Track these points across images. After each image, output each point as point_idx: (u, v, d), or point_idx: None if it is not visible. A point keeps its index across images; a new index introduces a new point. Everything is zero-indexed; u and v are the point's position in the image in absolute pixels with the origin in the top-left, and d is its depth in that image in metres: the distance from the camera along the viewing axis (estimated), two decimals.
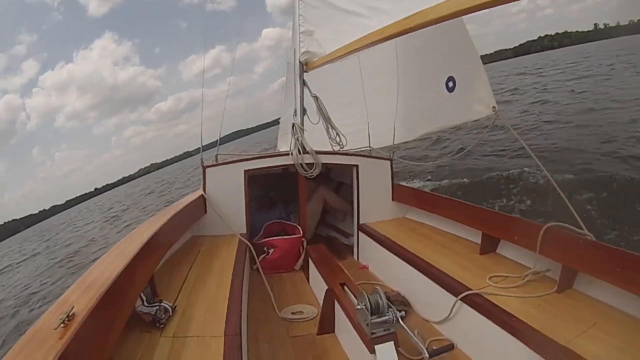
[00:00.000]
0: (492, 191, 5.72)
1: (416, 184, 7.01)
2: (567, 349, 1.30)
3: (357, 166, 3.05)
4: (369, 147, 3.60)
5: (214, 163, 2.96)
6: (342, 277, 2.13)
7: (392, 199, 3.17)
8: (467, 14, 1.40)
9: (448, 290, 1.92)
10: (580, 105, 10.74)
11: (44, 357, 0.95)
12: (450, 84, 3.18)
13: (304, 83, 2.95)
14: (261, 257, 2.84)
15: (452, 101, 3.20)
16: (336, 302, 1.99)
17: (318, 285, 2.42)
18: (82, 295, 1.28)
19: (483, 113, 3.05)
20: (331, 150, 3.04)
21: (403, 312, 1.52)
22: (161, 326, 1.57)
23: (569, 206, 1.97)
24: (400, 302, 2.23)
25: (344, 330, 1.88)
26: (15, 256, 20.64)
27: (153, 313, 1.59)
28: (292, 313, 2.30)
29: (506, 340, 1.51)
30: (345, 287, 1.99)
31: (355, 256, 3.16)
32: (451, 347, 1.64)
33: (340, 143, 3.04)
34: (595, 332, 1.39)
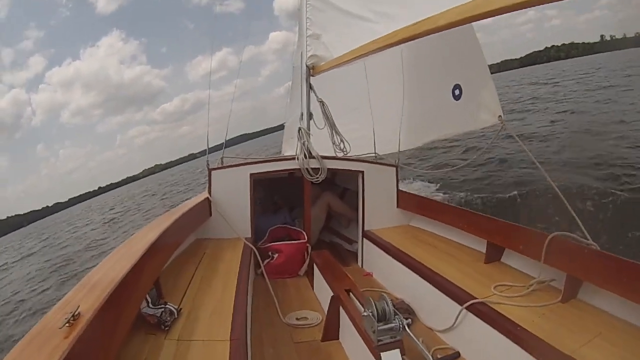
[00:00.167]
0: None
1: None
2: (572, 359, 1.29)
3: (362, 172, 3.04)
4: (375, 153, 3.59)
5: (220, 166, 2.96)
6: (348, 283, 2.12)
7: (397, 206, 3.16)
8: (477, 20, 1.39)
9: (453, 299, 1.90)
10: (607, 116, 10.50)
11: (49, 356, 0.94)
12: (457, 92, 3.17)
13: (310, 87, 2.94)
14: (266, 262, 2.83)
15: (458, 109, 3.19)
16: (341, 309, 1.98)
17: (322, 291, 2.40)
18: (87, 295, 1.27)
19: (489, 122, 3.04)
20: (335, 155, 3.04)
21: (410, 320, 1.50)
22: (166, 328, 1.57)
23: (574, 216, 1.96)
24: (404, 310, 2.22)
25: (349, 336, 1.87)
26: (13, 254, 20.67)
27: (158, 315, 1.58)
28: (297, 319, 2.29)
29: (511, 350, 1.50)
30: (351, 294, 1.98)
31: (359, 263, 3.14)
32: (457, 355, 1.62)
33: (344, 149, 3.04)
34: (600, 342, 1.38)
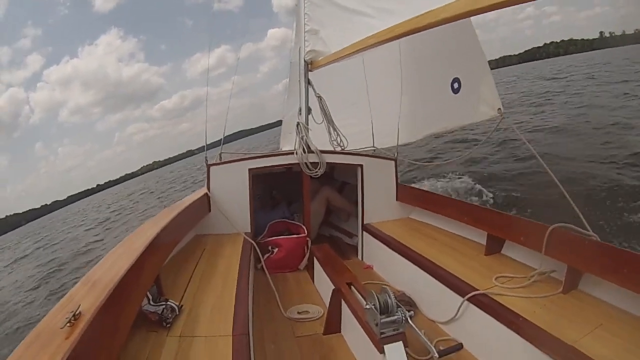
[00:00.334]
0: None
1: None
2: (573, 349, 1.30)
3: (361, 166, 3.05)
4: (373, 147, 3.59)
5: (219, 161, 2.96)
6: (349, 276, 2.13)
7: (397, 199, 3.17)
8: (478, 14, 1.39)
9: (454, 291, 1.91)
10: (627, 110, 10.00)
11: (51, 357, 0.94)
12: (456, 85, 3.18)
13: (308, 82, 2.94)
14: (266, 256, 2.84)
15: (457, 102, 3.20)
16: (343, 302, 1.99)
17: (323, 284, 2.41)
18: (88, 293, 1.26)
19: (488, 114, 3.05)
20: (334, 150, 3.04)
21: (412, 312, 1.51)
22: (168, 325, 1.57)
23: (574, 208, 1.97)
24: (405, 303, 2.23)
25: (351, 330, 1.88)
26: (7, 256, 20.33)
27: (159, 312, 1.58)
28: (298, 313, 2.30)
29: (513, 340, 1.51)
30: (352, 287, 1.99)
31: (359, 256, 3.15)
32: (460, 347, 1.63)
33: (341, 144, 3.05)
34: (602, 333, 1.39)
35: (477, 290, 1.78)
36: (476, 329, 1.77)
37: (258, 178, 2.99)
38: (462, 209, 2.50)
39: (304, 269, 2.96)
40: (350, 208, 3.44)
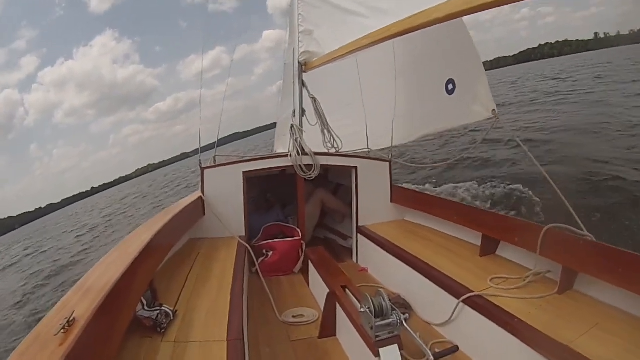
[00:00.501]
0: None
1: None
2: (570, 349, 1.29)
3: (356, 168, 3.03)
4: (368, 148, 3.58)
5: (213, 164, 2.94)
6: (343, 279, 2.11)
7: (391, 201, 3.16)
8: (471, 13, 1.39)
9: (449, 292, 1.90)
10: None
11: None
12: (450, 87, 3.18)
13: (302, 84, 2.93)
14: (260, 260, 2.82)
15: (451, 103, 3.20)
16: (338, 305, 1.97)
17: (318, 288, 2.39)
18: (82, 299, 1.25)
19: (483, 116, 3.05)
20: (328, 152, 3.03)
21: (407, 315, 1.50)
22: (162, 331, 1.54)
23: (569, 208, 1.97)
24: (401, 305, 2.21)
25: (347, 333, 1.86)
26: None
27: (154, 317, 1.56)
28: (293, 316, 2.28)
29: (509, 342, 1.50)
30: (347, 290, 1.97)
31: (354, 259, 3.14)
32: (455, 349, 1.62)
33: (335, 146, 3.03)
34: (598, 332, 1.39)
35: (472, 291, 1.77)
36: (472, 331, 1.76)
37: (252, 181, 2.97)
38: (456, 210, 2.49)
39: (299, 272, 2.94)
40: (345, 210, 3.42)
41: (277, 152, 4.50)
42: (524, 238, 1.92)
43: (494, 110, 2.98)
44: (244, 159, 2.97)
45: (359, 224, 3.07)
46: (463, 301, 1.78)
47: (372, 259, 2.88)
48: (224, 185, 2.84)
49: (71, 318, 1.08)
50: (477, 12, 1.37)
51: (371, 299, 1.47)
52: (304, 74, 2.92)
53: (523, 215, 4.67)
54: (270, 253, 2.88)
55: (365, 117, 3.60)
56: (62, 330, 1.04)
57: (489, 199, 5.82)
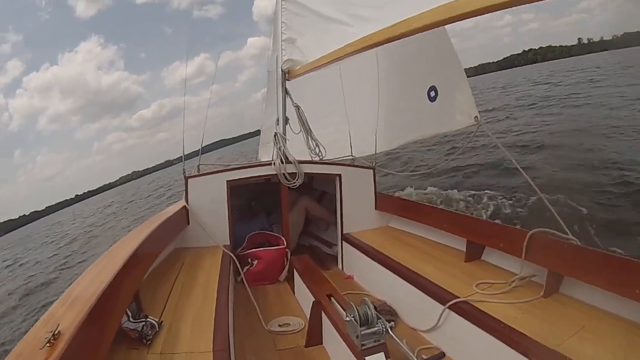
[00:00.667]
0: None
1: None
2: (557, 352, 1.30)
3: (339, 175, 3.03)
4: (352, 156, 3.59)
5: (197, 173, 2.91)
6: (328, 288, 2.11)
7: (376, 208, 3.16)
8: (451, 22, 1.41)
9: (435, 299, 1.91)
10: None
11: None
12: (432, 94, 3.21)
13: (286, 92, 2.93)
14: (245, 269, 2.79)
15: (433, 110, 3.23)
16: (323, 314, 1.96)
17: (304, 296, 2.38)
18: (67, 311, 1.23)
19: (465, 123, 3.09)
20: (312, 159, 3.03)
21: (392, 322, 1.49)
22: (148, 342, 1.51)
23: (553, 213, 2.00)
24: (387, 312, 2.21)
25: (333, 342, 1.85)
26: None
27: (139, 329, 1.53)
28: (279, 325, 2.26)
29: (496, 347, 1.50)
30: (332, 299, 1.97)
31: (339, 266, 3.13)
32: (442, 355, 1.62)
33: (320, 154, 3.03)
34: (584, 334, 1.41)
35: (458, 297, 1.78)
36: (458, 337, 1.76)
37: (236, 189, 2.95)
38: (441, 216, 2.51)
39: (284, 280, 2.92)
40: (330, 217, 3.42)
41: (261, 160, 4.48)
42: (508, 243, 1.94)
43: (476, 117, 3.02)
44: (227, 167, 2.94)
45: (344, 231, 3.07)
46: (449, 307, 1.78)
47: (357, 266, 2.88)
48: (208, 194, 2.81)
49: (56, 331, 1.06)
50: (457, 21, 1.39)
51: (356, 307, 1.46)
52: (287, 82, 2.92)
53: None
54: (255, 262, 2.86)
55: (348, 125, 3.61)
56: (48, 344, 1.02)
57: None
